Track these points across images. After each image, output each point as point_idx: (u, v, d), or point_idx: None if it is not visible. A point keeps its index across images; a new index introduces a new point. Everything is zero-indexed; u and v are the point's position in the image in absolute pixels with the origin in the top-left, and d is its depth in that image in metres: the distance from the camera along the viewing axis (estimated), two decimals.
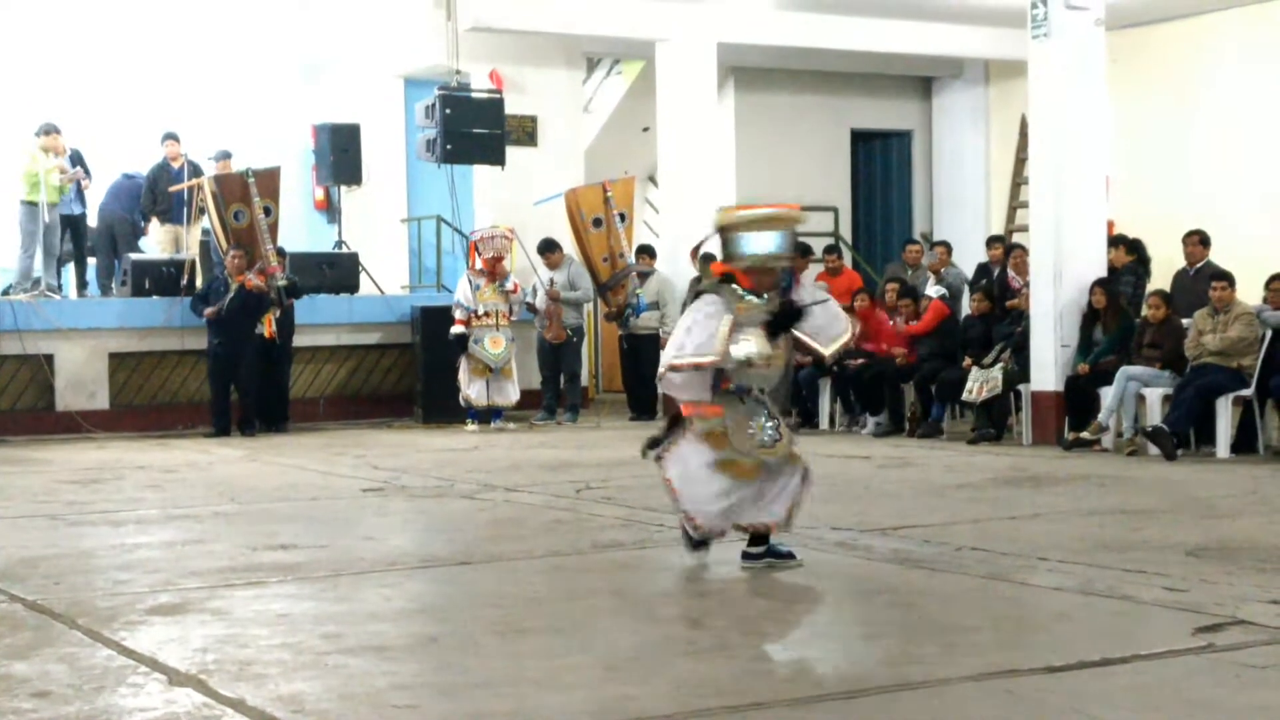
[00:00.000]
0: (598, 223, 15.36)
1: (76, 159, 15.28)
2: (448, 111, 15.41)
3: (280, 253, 14.98)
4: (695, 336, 6.25)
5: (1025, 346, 12.54)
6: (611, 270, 15.35)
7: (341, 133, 17.00)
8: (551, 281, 14.89)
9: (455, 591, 6.63)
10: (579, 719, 4.36)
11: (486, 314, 14.34)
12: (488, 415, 14.55)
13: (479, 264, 14.55)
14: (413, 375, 15.61)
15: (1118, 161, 15.33)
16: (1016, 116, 18.14)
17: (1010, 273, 13.81)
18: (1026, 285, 12.92)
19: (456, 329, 14.38)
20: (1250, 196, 16.23)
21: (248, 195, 14.87)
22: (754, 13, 16.46)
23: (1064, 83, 12.35)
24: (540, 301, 14.92)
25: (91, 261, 16.05)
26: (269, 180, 15.14)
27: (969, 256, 16.34)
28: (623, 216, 15.33)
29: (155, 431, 14.51)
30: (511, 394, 14.50)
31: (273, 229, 14.94)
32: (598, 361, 18.33)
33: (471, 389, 14.43)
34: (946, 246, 15.63)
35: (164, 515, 8.86)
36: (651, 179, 19.14)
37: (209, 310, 14.05)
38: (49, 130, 14.76)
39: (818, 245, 17.06)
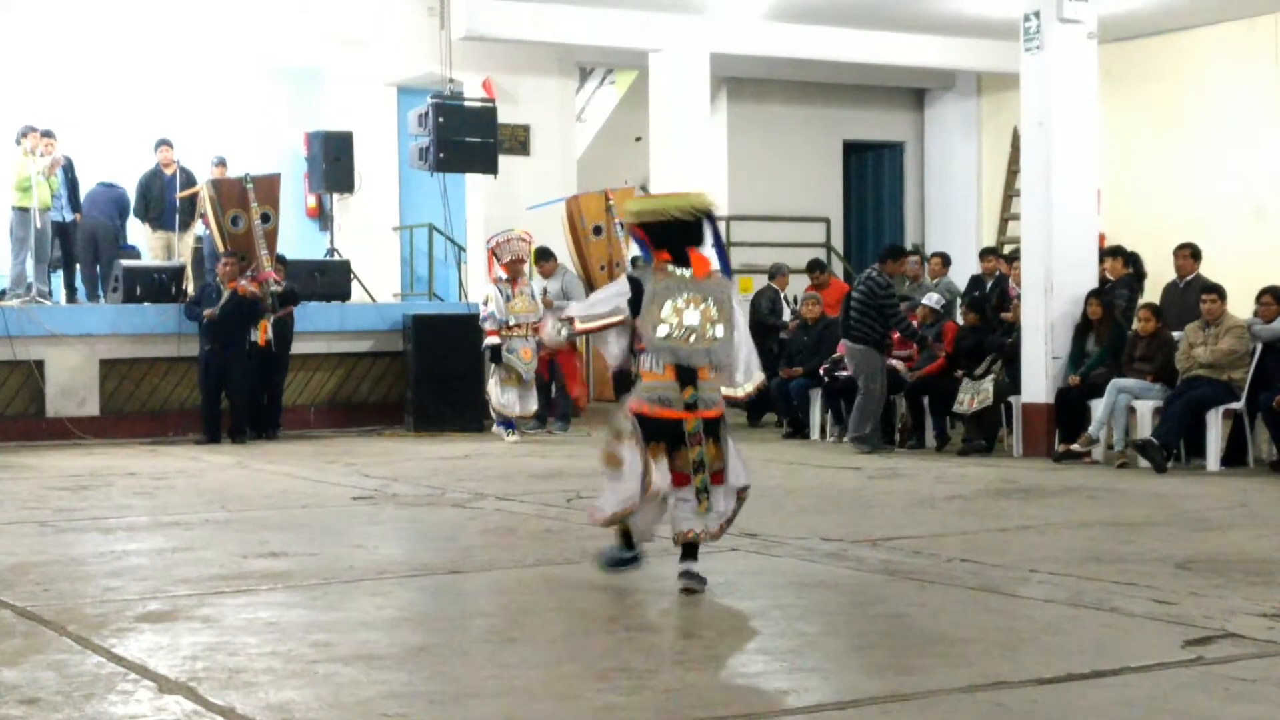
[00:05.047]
0: (598, 230, 15.35)
1: (68, 167, 15.25)
2: (441, 120, 15.42)
3: (280, 260, 14.96)
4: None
5: (1016, 358, 12.56)
6: (609, 279, 15.33)
7: (334, 140, 17.01)
8: (545, 290, 14.85)
9: (446, 600, 6.63)
10: None
11: (517, 325, 14.15)
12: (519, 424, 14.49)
13: (500, 271, 14.33)
14: (404, 383, 15.58)
15: (1108, 174, 15.36)
16: (1008, 128, 18.19)
17: (1011, 282, 13.81)
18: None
19: (490, 340, 14.22)
20: (1239, 210, 16.28)
21: (245, 201, 14.85)
22: (747, 24, 16.48)
23: (1056, 95, 12.37)
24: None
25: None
26: (268, 187, 15.12)
27: (960, 268, 16.36)
28: (622, 226, 15.33)
29: (146, 438, 14.47)
30: (531, 404, 14.40)
31: (271, 236, 14.92)
32: (589, 371, 18.33)
33: (505, 398, 14.27)
34: (942, 257, 15.60)
35: (154, 522, 8.85)
36: (644, 189, 19.15)
37: (207, 312, 13.97)
38: (28, 132, 14.72)
39: (809, 256, 17.07)
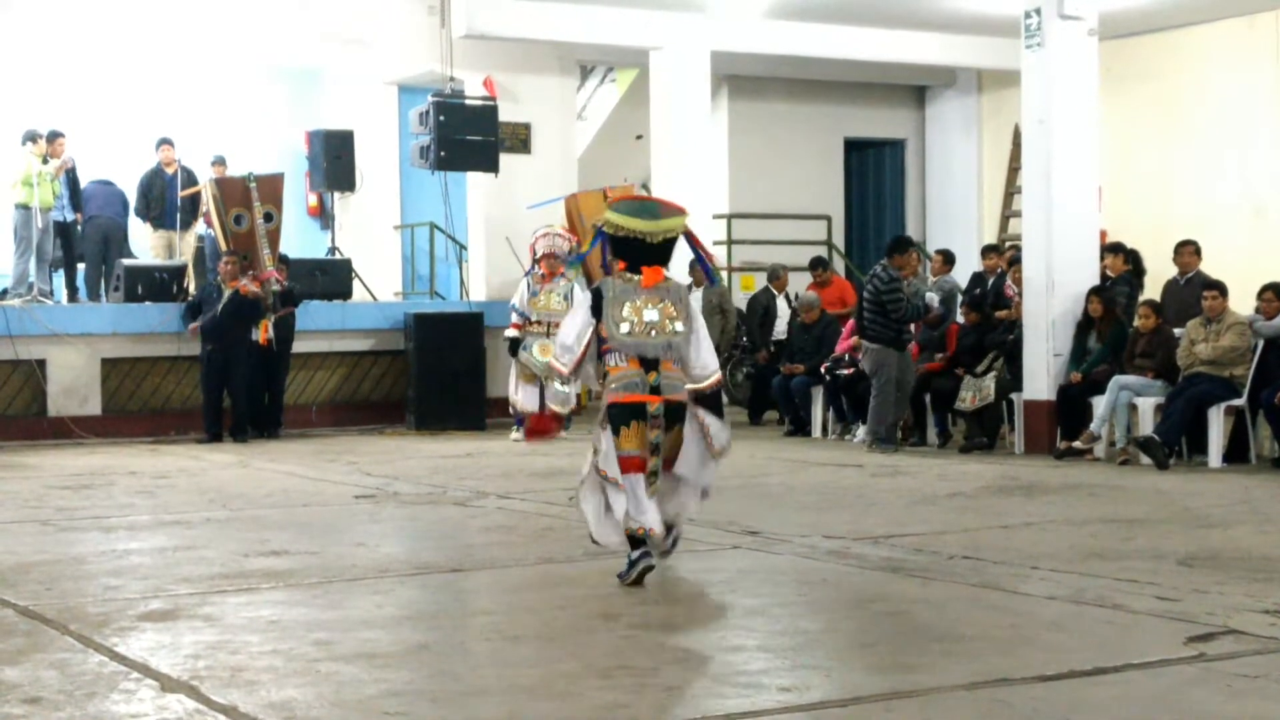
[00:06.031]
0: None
1: (71, 169, 15.23)
2: (442, 118, 15.40)
3: (283, 259, 14.96)
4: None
5: (1017, 355, 12.55)
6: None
7: (335, 139, 16.99)
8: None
9: (447, 599, 6.63)
10: None
11: (538, 321, 14.00)
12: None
13: (539, 267, 14.22)
14: (405, 382, 15.58)
15: (1109, 171, 15.35)
16: (1009, 126, 18.18)
17: (1008, 281, 13.79)
18: (1020, 296, 12.93)
19: (510, 333, 14.15)
20: (1240, 207, 16.27)
21: (249, 200, 14.85)
22: (747, 21, 16.47)
23: (1057, 92, 12.37)
24: None
25: (81, 267, 15.98)
26: (271, 186, 15.11)
27: (961, 265, 16.34)
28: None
29: (147, 437, 14.47)
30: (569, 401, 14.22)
31: (274, 235, 14.91)
32: None
33: (519, 394, 14.17)
34: (944, 255, 15.55)
35: (155, 521, 8.85)
36: (645, 187, 19.16)
37: (191, 327, 14.09)
38: (35, 137, 14.72)
39: (810, 254, 17.07)
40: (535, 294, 14.00)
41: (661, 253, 6.73)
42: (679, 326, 6.63)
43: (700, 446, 6.70)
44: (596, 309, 6.65)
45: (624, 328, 6.58)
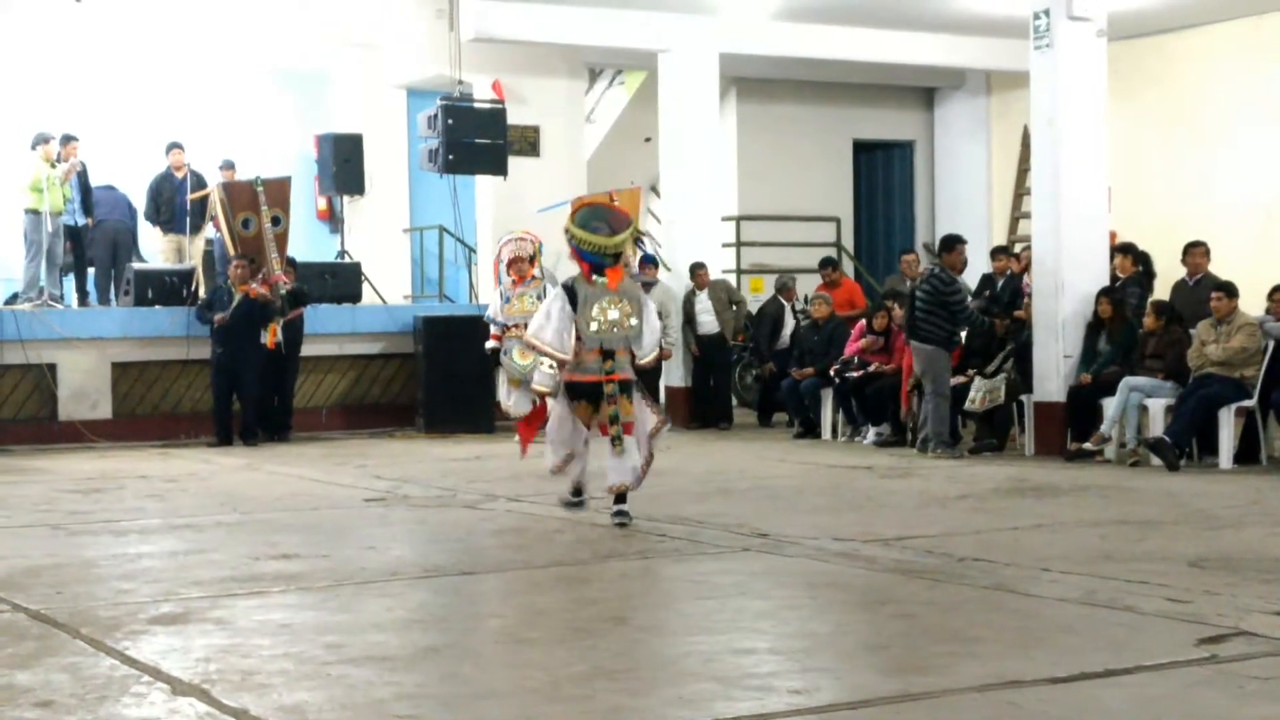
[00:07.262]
0: None
1: (82, 173, 15.26)
2: (450, 122, 15.42)
3: (291, 263, 14.98)
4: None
5: (1026, 356, 12.53)
6: None
7: (344, 143, 17.02)
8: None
9: (457, 601, 6.64)
10: None
11: (514, 326, 14.05)
12: None
13: (509, 273, 14.26)
14: (415, 385, 15.60)
15: (1118, 172, 15.33)
16: (1018, 127, 18.17)
17: (1025, 279, 13.73)
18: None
19: (490, 344, 14.23)
20: (1250, 207, 16.24)
21: (256, 204, 14.87)
22: (756, 23, 16.47)
23: (1066, 93, 12.36)
24: None
25: (91, 271, 16.01)
26: (278, 190, 15.12)
27: (971, 266, 16.30)
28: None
29: (157, 441, 14.49)
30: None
31: (281, 239, 14.92)
32: None
33: (510, 400, 14.22)
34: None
35: (166, 525, 8.86)
36: (654, 189, 19.18)
37: (218, 316, 14.01)
38: (45, 139, 14.76)
39: (819, 255, 17.06)
40: (508, 300, 14.09)
41: (616, 258, 8.34)
42: (633, 322, 8.37)
43: (641, 425, 8.43)
44: (573, 305, 8.25)
45: (593, 326, 8.28)
